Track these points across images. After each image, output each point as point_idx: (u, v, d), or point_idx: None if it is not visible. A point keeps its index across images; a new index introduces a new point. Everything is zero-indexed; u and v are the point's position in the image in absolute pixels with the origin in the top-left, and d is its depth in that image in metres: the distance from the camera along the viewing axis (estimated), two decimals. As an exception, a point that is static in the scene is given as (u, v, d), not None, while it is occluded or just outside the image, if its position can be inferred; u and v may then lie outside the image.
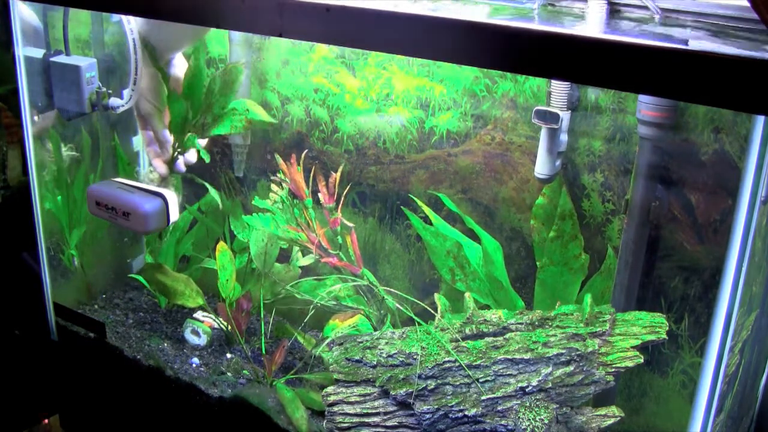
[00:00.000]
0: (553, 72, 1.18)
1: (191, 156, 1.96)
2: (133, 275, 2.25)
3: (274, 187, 1.83)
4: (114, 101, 1.98)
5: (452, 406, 1.50)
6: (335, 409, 1.56)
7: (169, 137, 1.90)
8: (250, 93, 2.03)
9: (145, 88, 1.87)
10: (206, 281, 2.09)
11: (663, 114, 1.47)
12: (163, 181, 1.93)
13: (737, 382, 1.47)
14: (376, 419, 1.54)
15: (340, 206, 1.78)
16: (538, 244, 1.71)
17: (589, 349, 1.49)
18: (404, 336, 1.60)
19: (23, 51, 1.88)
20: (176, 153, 1.91)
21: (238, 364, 1.98)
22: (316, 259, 1.83)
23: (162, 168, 1.93)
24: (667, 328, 1.51)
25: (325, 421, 1.58)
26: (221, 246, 1.91)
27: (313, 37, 1.37)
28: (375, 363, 1.57)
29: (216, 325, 2.06)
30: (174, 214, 1.78)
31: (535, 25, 1.19)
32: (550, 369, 1.49)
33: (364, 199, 1.96)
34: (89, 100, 1.95)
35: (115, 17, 1.98)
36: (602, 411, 1.52)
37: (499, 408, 1.49)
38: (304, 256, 1.96)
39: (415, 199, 1.83)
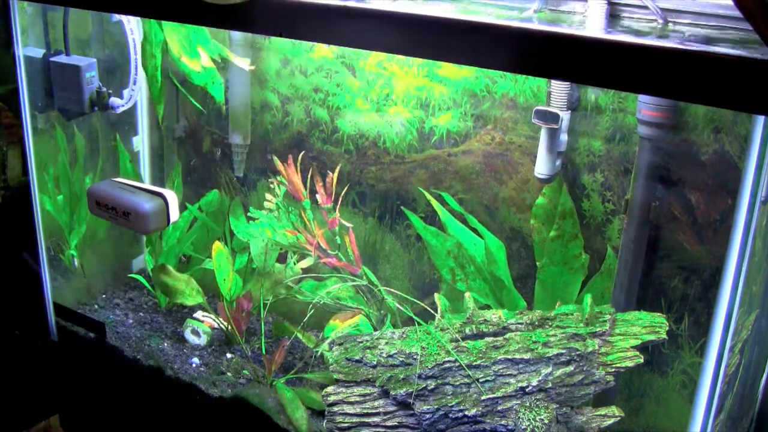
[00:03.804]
0: (554, 72, 1.18)
1: None
2: (133, 275, 2.26)
3: (268, 195, 1.84)
4: (114, 101, 1.99)
5: (452, 406, 1.50)
6: (335, 409, 1.56)
7: None
8: (251, 93, 2.03)
9: None
10: (207, 281, 2.09)
11: (663, 114, 1.47)
12: None
13: (737, 382, 1.47)
14: (376, 419, 1.54)
15: (338, 206, 1.78)
16: (538, 244, 1.71)
17: (589, 349, 1.49)
18: (404, 336, 1.60)
19: (23, 51, 1.88)
20: None
21: (238, 364, 1.98)
22: (315, 261, 1.84)
23: None
24: (667, 328, 1.51)
25: (325, 421, 1.58)
26: (217, 245, 1.91)
27: (313, 37, 1.37)
28: (375, 363, 1.57)
29: (216, 325, 2.06)
30: (174, 214, 1.78)
31: (536, 26, 1.19)
32: (550, 369, 1.49)
33: (364, 199, 1.96)
34: (89, 100, 1.95)
35: (116, 17, 1.98)
36: (602, 411, 1.52)
37: (499, 408, 1.49)
38: (300, 260, 1.95)
39: (425, 192, 1.82)
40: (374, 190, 1.94)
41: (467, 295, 1.63)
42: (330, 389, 1.59)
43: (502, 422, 1.48)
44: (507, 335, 1.55)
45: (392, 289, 1.78)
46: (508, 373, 1.51)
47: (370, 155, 1.91)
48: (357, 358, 1.58)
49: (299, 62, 1.94)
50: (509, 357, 1.50)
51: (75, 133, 2.08)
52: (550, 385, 1.48)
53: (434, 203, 1.79)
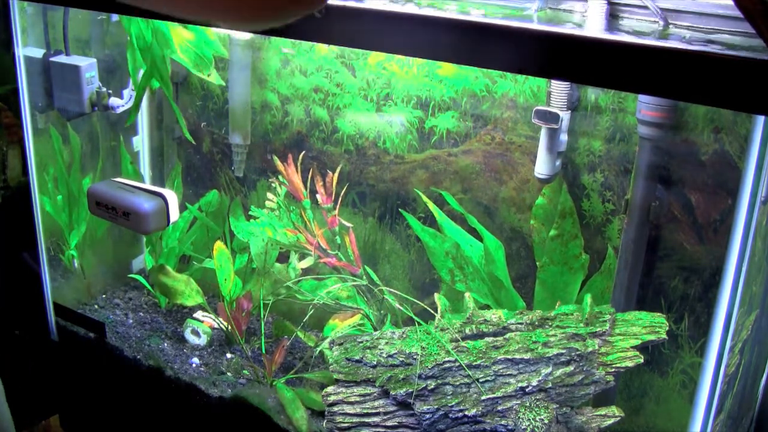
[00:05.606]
0: (554, 72, 1.18)
1: None
2: (133, 275, 2.26)
3: (269, 195, 1.84)
4: (114, 101, 1.99)
5: (452, 406, 1.50)
6: (335, 409, 1.56)
7: None
8: (250, 93, 2.03)
9: None
10: (207, 282, 2.09)
11: (663, 114, 1.47)
12: None
13: (737, 382, 1.47)
14: (376, 419, 1.54)
15: (338, 206, 1.78)
16: (538, 244, 1.71)
17: (589, 349, 1.49)
18: (404, 336, 1.60)
19: (23, 51, 1.88)
20: None
21: (238, 364, 1.98)
22: (316, 261, 1.84)
23: None
24: (667, 328, 1.51)
25: (325, 421, 1.58)
26: (218, 245, 1.92)
27: (312, 37, 1.37)
28: (375, 363, 1.57)
29: (216, 325, 2.06)
30: (174, 214, 1.78)
31: (536, 26, 1.19)
32: (550, 369, 1.49)
33: (364, 199, 1.96)
34: (89, 100, 1.95)
35: (116, 17, 1.98)
36: (602, 411, 1.52)
37: (499, 408, 1.49)
38: (301, 259, 1.95)
39: (421, 194, 1.82)
40: (374, 190, 1.94)
41: (467, 295, 1.63)
42: (330, 389, 1.59)
43: (502, 422, 1.48)
44: (507, 335, 1.55)
45: (392, 289, 1.78)
46: (508, 373, 1.51)
47: (370, 155, 1.91)
48: (357, 358, 1.59)
49: (299, 62, 1.94)
50: (509, 357, 1.50)
51: (70, 133, 2.08)
52: (550, 385, 1.48)
53: (431, 205, 1.79)
